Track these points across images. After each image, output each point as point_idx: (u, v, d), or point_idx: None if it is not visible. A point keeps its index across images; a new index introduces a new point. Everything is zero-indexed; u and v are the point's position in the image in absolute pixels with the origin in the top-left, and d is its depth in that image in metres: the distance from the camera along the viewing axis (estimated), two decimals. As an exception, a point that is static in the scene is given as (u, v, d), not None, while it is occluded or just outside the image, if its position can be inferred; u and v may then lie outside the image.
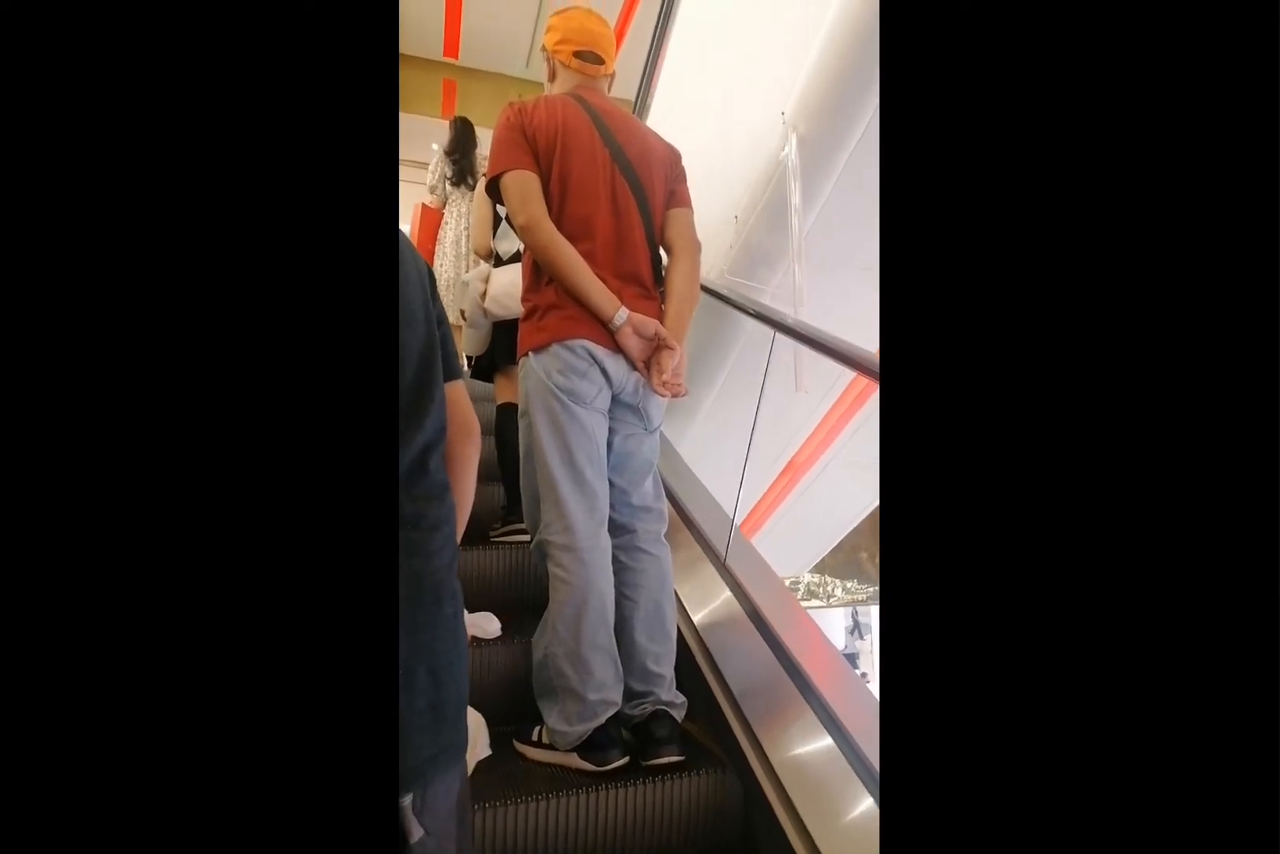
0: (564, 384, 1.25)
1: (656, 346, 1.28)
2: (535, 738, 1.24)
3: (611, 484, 1.32)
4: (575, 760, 1.16)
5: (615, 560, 1.28)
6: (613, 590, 1.25)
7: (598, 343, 1.25)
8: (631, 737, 1.21)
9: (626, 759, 1.16)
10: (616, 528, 1.32)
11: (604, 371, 1.26)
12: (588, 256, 1.26)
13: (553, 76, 1.46)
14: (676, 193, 1.43)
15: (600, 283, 1.25)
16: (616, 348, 1.27)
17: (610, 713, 1.17)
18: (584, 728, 1.16)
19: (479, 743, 1.12)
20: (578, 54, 1.41)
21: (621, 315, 1.24)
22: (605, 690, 1.18)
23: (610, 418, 1.32)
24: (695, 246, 1.41)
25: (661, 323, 1.30)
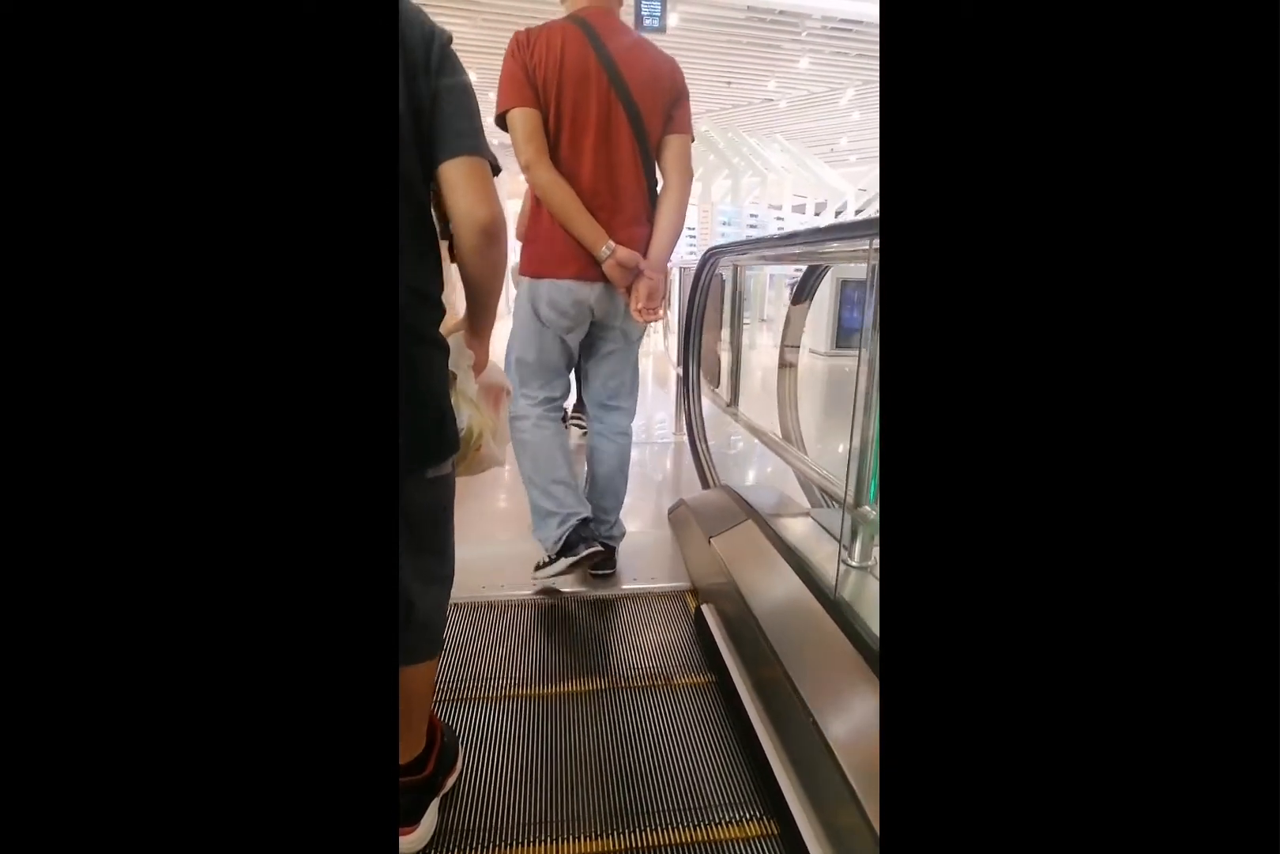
0: (546, 316, 1.52)
1: (638, 275, 1.47)
2: (539, 563, 1.67)
3: (591, 382, 1.69)
4: (562, 563, 1.59)
5: (590, 437, 1.74)
6: (564, 441, 1.65)
7: (584, 279, 1.48)
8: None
9: (597, 547, 1.58)
10: (592, 417, 1.73)
11: (587, 304, 1.51)
12: (581, 186, 1.42)
13: None
14: (674, 118, 1.50)
15: (590, 219, 1.43)
16: (603, 277, 1.49)
17: (578, 519, 1.59)
18: (561, 531, 1.58)
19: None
20: None
21: (606, 250, 1.43)
22: (570, 506, 1.60)
23: (596, 336, 1.61)
24: (685, 175, 1.53)
25: (646, 250, 1.49)
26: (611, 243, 1.43)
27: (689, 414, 2.05)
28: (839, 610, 1.06)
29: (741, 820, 1.00)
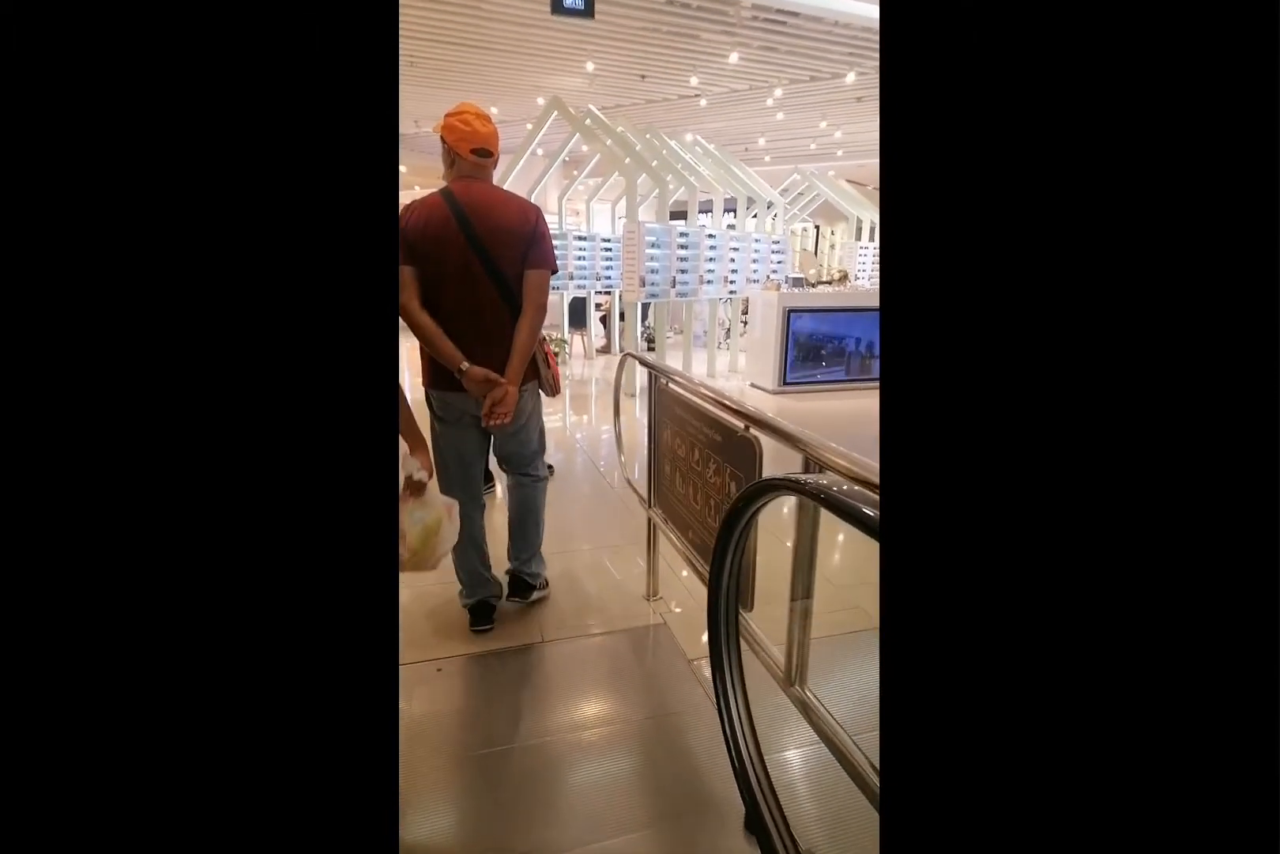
0: (439, 412, 2.11)
1: (491, 385, 1.94)
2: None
3: (500, 457, 2.24)
4: (469, 621, 2.26)
5: (506, 488, 2.24)
6: (481, 531, 2.21)
7: (453, 390, 2.01)
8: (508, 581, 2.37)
9: (489, 627, 2.24)
10: (506, 473, 2.29)
11: (461, 408, 2.06)
12: (448, 318, 1.93)
13: (451, 164, 1.96)
14: (528, 257, 1.97)
15: (450, 345, 1.93)
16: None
17: (480, 597, 2.25)
18: (468, 602, 2.27)
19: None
20: (474, 151, 1.93)
21: (461, 369, 1.93)
22: (476, 587, 2.26)
23: (490, 430, 2.07)
24: (534, 305, 1.98)
25: (503, 365, 1.95)
26: (465, 364, 1.93)
27: (734, 743, 1.08)
28: None
29: None
